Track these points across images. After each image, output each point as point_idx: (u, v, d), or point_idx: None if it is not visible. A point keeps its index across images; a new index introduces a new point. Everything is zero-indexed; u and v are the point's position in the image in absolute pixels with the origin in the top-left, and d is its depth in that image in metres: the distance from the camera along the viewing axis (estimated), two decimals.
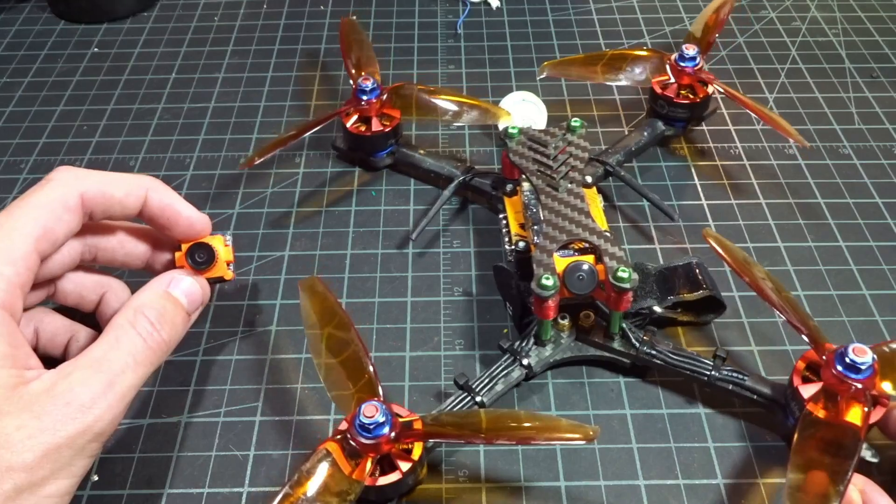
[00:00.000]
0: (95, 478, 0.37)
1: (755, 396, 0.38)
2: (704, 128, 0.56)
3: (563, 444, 0.37)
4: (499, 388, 0.39)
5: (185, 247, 0.37)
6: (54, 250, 0.34)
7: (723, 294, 0.42)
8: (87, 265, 0.38)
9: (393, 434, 0.33)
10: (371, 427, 0.33)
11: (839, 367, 0.33)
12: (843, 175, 0.52)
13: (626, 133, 0.54)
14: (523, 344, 0.40)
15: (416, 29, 0.67)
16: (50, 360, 0.34)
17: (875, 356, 0.33)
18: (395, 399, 0.39)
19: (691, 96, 0.52)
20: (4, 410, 0.28)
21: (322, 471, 0.32)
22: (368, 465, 0.33)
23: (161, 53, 0.65)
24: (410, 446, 0.35)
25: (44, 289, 0.36)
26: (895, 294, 0.45)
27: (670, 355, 0.39)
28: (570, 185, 0.42)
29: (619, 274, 0.36)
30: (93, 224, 0.36)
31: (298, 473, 0.32)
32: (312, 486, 0.32)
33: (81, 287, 0.37)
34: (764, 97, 0.59)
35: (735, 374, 0.38)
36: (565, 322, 0.40)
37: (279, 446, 0.38)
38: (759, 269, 0.39)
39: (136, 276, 0.41)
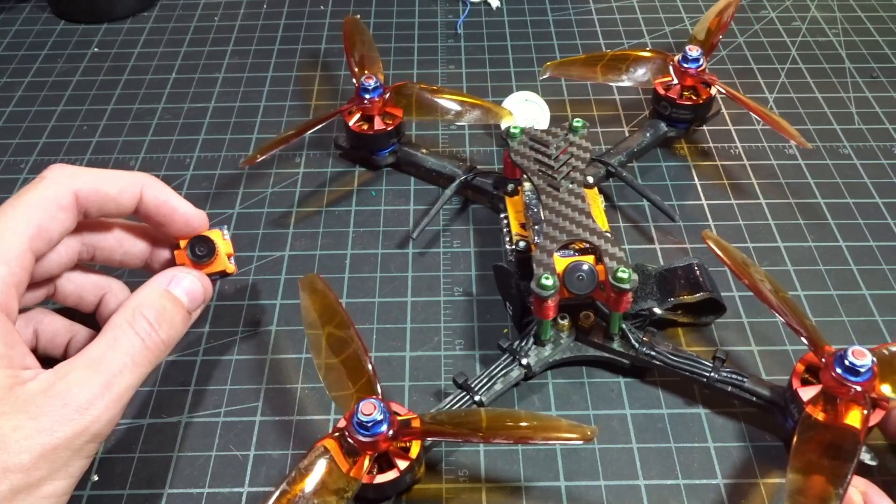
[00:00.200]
0: (95, 478, 0.37)
1: (754, 398, 0.37)
2: (705, 128, 0.56)
3: (562, 444, 0.37)
4: (498, 387, 0.39)
5: (183, 243, 0.37)
6: (49, 249, 0.33)
7: (723, 294, 0.42)
8: (86, 265, 0.38)
9: (391, 432, 0.33)
10: (369, 425, 0.33)
11: (838, 370, 0.33)
12: (843, 175, 0.52)
13: (628, 133, 0.54)
14: (523, 344, 0.40)
15: (416, 29, 0.67)
16: (50, 361, 0.33)
17: (874, 359, 0.33)
18: (395, 399, 0.39)
19: (694, 97, 0.52)
20: (0, 411, 0.28)
21: (320, 468, 0.32)
22: (366, 462, 0.33)
23: (161, 53, 0.65)
24: (408, 445, 0.35)
25: (43, 289, 0.36)
26: (895, 294, 0.45)
27: (670, 357, 0.39)
28: (571, 186, 0.42)
29: (619, 274, 0.36)
30: (90, 222, 0.36)
31: (296, 470, 0.32)
32: (310, 483, 0.32)
33: (81, 287, 0.37)
34: (764, 97, 0.59)
35: (734, 376, 0.38)
36: (565, 322, 0.40)
37: (279, 446, 0.38)
38: (758, 272, 0.38)
39: (136, 277, 0.41)
